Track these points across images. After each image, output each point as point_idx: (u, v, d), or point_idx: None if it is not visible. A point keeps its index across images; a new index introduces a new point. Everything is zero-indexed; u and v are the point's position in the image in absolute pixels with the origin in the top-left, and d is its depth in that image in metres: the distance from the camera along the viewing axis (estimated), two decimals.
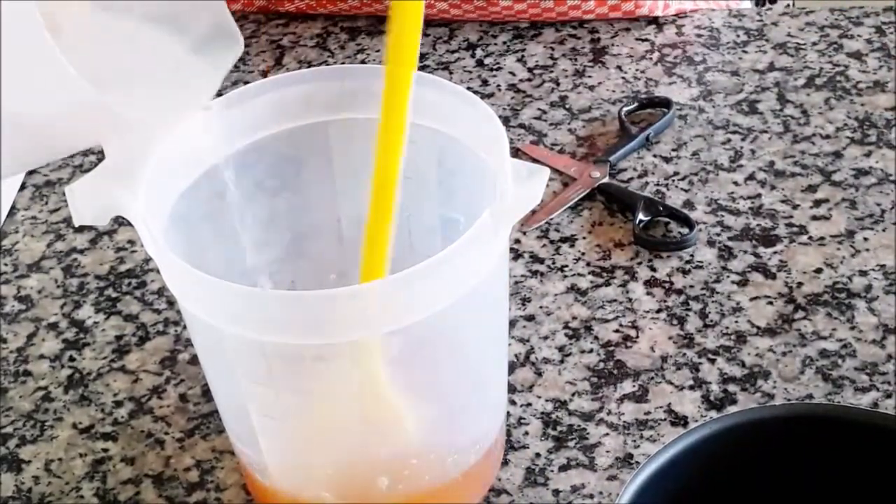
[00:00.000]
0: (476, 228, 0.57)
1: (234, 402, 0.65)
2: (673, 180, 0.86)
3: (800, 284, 0.78)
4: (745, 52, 0.96)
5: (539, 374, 0.74)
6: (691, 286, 0.78)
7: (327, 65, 0.98)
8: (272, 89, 0.65)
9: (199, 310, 0.59)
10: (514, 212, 0.59)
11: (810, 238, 0.81)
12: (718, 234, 0.81)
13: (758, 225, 0.82)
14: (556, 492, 0.68)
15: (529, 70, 0.96)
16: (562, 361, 0.74)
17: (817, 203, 0.83)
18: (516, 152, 0.88)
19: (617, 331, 0.76)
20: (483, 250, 0.58)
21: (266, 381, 0.61)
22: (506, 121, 0.91)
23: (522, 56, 0.97)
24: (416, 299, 0.57)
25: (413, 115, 0.64)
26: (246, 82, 0.92)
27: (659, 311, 0.77)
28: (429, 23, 0.99)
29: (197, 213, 0.65)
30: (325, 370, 0.62)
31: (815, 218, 0.82)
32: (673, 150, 0.88)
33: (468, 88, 0.94)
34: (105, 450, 0.72)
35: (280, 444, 0.65)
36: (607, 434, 0.70)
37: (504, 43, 0.99)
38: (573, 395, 0.72)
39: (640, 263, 0.80)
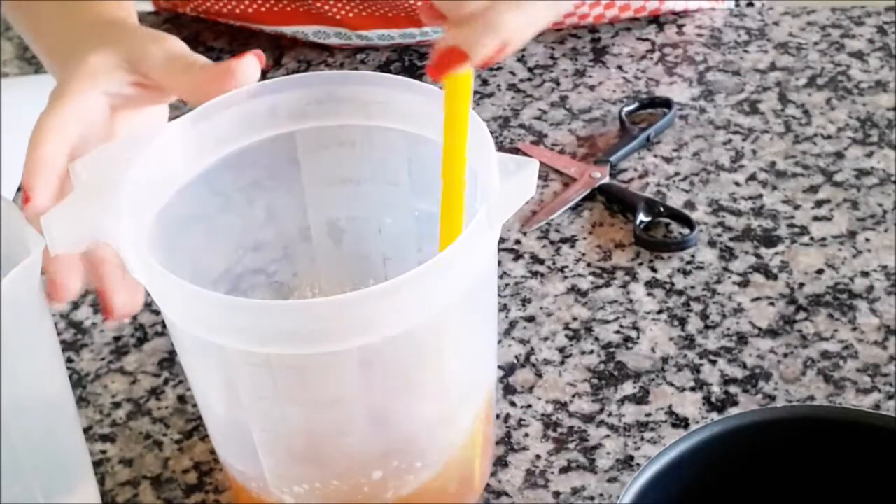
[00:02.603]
0: (472, 227, 0.57)
1: (231, 418, 0.64)
2: (674, 181, 0.85)
3: (801, 285, 0.77)
4: (746, 51, 0.96)
5: (539, 375, 0.73)
6: (692, 287, 0.78)
7: (326, 64, 0.98)
8: (238, 102, 0.65)
9: (198, 328, 0.58)
10: (507, 206, 0.59)
11: (812, 239, 0.80)
12: (719, 235, 0.81)
13: (759, 225, 0.82)
14: (557, 494, 0.67)
15: (529, 70, 0.96)
16: (562, 363, 0.74)
17: (819, 203, 0.83)
18: (516, 152, 0.88)
19: (617, 332, 0.76)
20: (480, 248, 0.58)
21: (269, 395, 0.61)
22: (506, 121, 0.91)
23: (522, 56, 0.97)
24: (417, 301, 0.57)
25: (381, 118, 0.64)
26: None
27: (660, 312, 0.77)
28: None
29: (173, 232, 0.64)
30: (328, 378, 0.61)
31: (816, 218, 0.82)
32: (674, 150, 0.88)
33: None
34: (103, 451, 0.72)
35: (279, 455, 0.64)
36: (608, 436, 0.70)
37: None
38: (573, 396, 0.72)
39: (640, 264, 0.80)
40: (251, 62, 0.63)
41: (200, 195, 0.66)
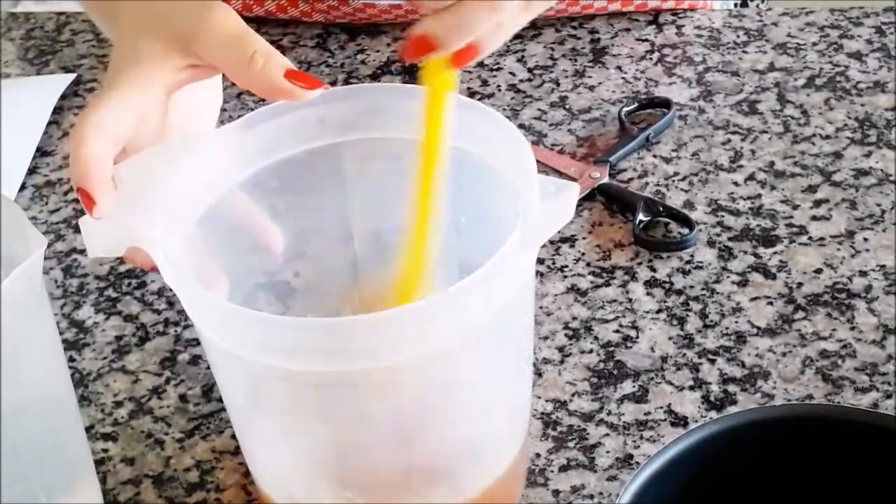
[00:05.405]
0: (507, 248, 0.56)
1: (258, 428, 0.64)
2: (673, 181, 0.86)
3: (800, 285, 0.78)
4: (745, 52, 0.96)
5: (539, 374, 0.74)
6: (691, 286, 0.78)
7: (327, 65, 0.98)
8: (286, 111, 0.64)
9: (226, 340, 0.58)
10: (545, 229, 0.58)
11: (810, 238, 0.81)
12: (718, 235, 0.81)
13: (758, 225, 0.82)
14: (557, 492, 0.68)
15: (529, 70, 0.96)
16: (562, 362, 0.74)
17: (817, 203, 0.83)
18: None
19: (617, 331, 0.76)
20: (512, 271, 0.57)
21: (294, 410, 0.60)
22: None
23: (522, 56, 0.97)
24: (447, 323, 0.56)
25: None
26: None
27: (659, 311, 0.77)
28: None
29: (214, 238, 0.64)
30: (356, 397, 0.60)
31: (815, 218, 0.82)
32: (673, 150, 0.88)
33: (468, 89, 0.95)
34: (105, 450, 0.72)
35: (303, 467, 0.64)
36: (607, 434, 0.70)
37: (504, 43, 0.99)
38: (573, 395, 0.72)
39: (640, 264, 0.80)
40: (317, 93, 0.61)
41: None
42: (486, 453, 0.65)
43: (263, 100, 0.63)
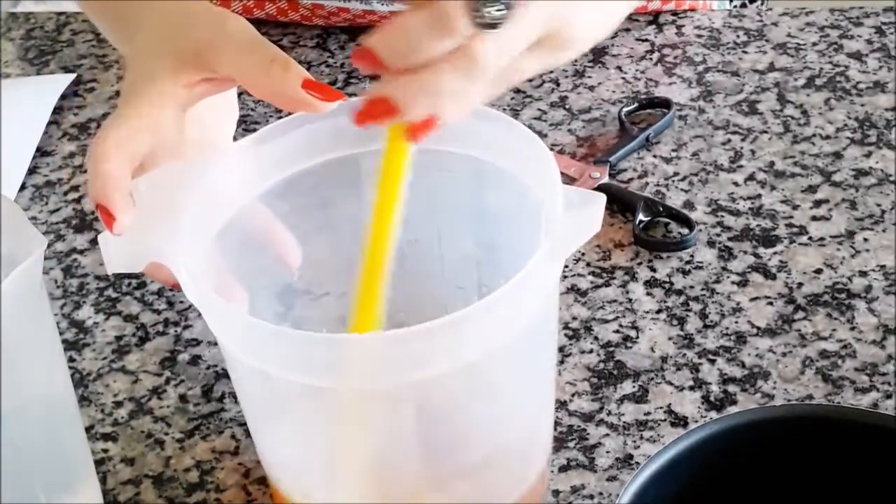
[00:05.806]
0: (535, 262, 0.55)
1: (279, 439, 0.64)
2: (673, 181, 0.86)
3: (800, 285, 0.78)
4: (745, 52, 0.96)
5: None
6: (691, 287, 0.78)
7: (327, 65, 0.98)
8: (304, 123, 0.64)
9: (249, 356, 0.58)
10: (570, 241, 0.57)
11: (810, 238, 0.81)
12: (718, 235, 0.81)
13: (758, 225, 0.82)
14: (556, 492, 0.68)
15: None
16: (562, 362, 0.74)
17: (817, 203, 0.83)
18: None
19: (617, 331, 0.76)
20: (538, 284, 0.57)
21: (314, 423, 0.60)
22: None
23: None
24: (472, 339, 0.56)
25: (449, 142, 0.63)
26: None
27: (659, 311, 0.77)
28: None
29: (234, 251, 0.64)
30: (385, 411, 0.60)
31: (815, 218, 0.82)
32: (673, 150, 0.88)
33: None
34: (105, 450, 0.72)
35: (325, 479, 0.64)
36: (607, 435, 0.70)
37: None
38: (573, 395, 0.72)
39: (640, 264, 0.80)
40: (334, 105, 0.61)
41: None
42: (517, 462, 0.65)
43: (262, 100, 0.63)
